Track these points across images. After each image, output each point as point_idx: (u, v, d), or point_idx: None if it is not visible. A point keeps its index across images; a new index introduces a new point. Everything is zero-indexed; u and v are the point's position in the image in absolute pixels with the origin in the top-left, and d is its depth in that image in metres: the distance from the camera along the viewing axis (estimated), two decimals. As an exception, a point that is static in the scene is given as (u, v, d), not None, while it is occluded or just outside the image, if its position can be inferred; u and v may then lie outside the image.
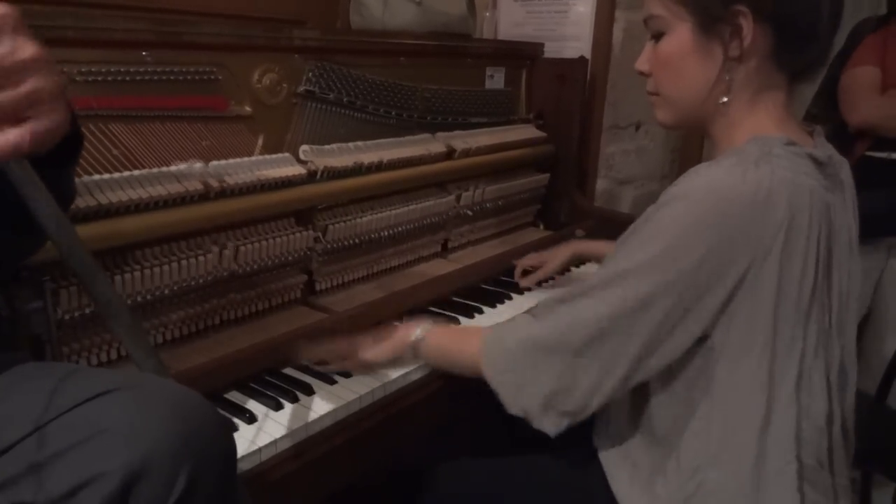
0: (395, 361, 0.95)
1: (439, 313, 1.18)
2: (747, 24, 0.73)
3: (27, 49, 0.46)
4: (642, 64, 0.84)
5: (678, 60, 0.79)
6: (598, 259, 1.30)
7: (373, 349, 0.94)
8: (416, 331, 0.93)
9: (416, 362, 0.96)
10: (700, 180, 0.72)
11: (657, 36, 0.81)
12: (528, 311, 0.83)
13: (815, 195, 0.71)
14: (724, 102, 0.77)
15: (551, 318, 0.78)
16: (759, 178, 0.69)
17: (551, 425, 0.78)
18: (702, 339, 0.74)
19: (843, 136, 1.67)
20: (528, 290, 1.31)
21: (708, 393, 0.75)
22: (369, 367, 0.95)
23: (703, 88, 0.78)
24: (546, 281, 1.34)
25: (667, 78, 0.81)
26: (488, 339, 0.84)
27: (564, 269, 1.34)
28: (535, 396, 0.78)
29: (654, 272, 0.72)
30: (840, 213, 0.76)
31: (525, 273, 1.33)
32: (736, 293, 0.71)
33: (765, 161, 0.70)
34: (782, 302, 0.71)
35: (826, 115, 1.75)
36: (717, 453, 0.74)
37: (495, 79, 1.62)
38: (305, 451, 0.82)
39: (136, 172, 0.91)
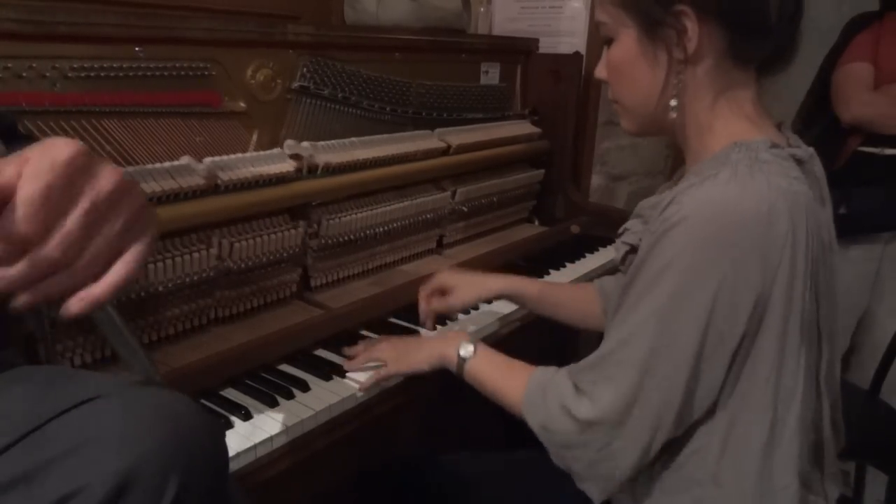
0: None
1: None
2: (692, 25, 0.69)
3: (103, 185, 0.43)
4: (600, 71, 0.80)
5: (627, 67, 0.75)
6: (524, 302, 1.13)
7: (414, 359, 0.93)
8: (463, 348, 0.89)
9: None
10: (699, 201, 0.67)
11: (608, 42, 0.77)
12: (569, 374, 0.77)
13: (806, 199, 0.68)
14: (674, 106, 0.73)
15: (587, 388, 0.74)
16: (758, 189, 0.65)
17: (596, 491, 0.75)
18: None
19: (836, 132, 1.68)
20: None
21: (711, 414, 0.72)
22: (403, 373, 0.94)
23: (654, 95, 0.74)
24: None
25: (619, 85, 0.78)
26: (532, 390, 0.79)
27: (471, 308, 1.16)
28: (578, 460, 0.75)
29: (671, 315, 0.67)
30: (819, 211, 0.73)
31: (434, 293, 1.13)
32: (754, 316, 0.67)
33: (757, 170, 0.67)
34: (791, 320, 0.68)
35: (819, 112, 1.75)
36: (715, 472, 0.72)
37: (490, 74, 1.62)
38: (301, 447, 0.82)
39: (129, 169, 0.91)
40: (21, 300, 0.43)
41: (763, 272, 0.66)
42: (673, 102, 0.74)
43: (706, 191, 0.67)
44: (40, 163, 0.40)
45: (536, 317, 1.15)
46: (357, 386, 0.92)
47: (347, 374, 0.94)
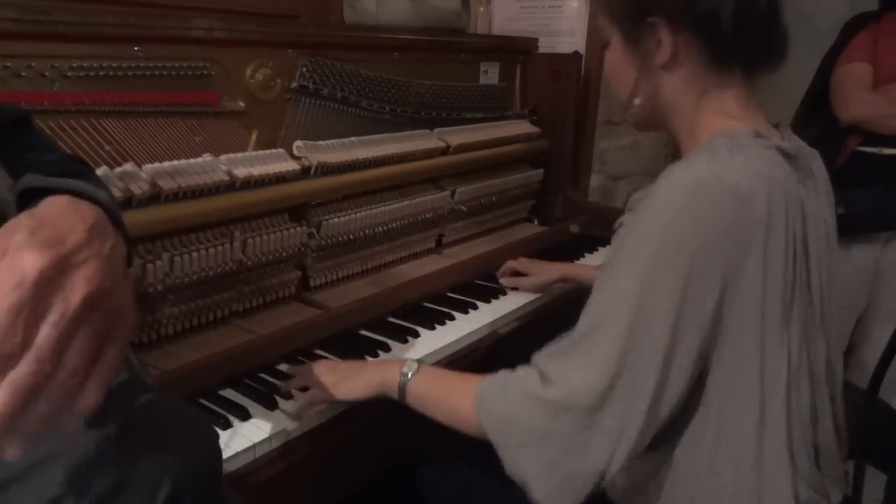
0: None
1: (434, 309, 1.18)
2: (665, 35, 0.74)
3: (73, 299, 0.41)
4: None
5: (615, 69, 0.82)
6: (584, 284, 1.25)
7: (352, 385, 0.87)
8: (402, 371, 0.85)
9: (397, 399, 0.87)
10: (676, 181, 0.69)
11: (605, 45, 0.84)
12: (531, 364, 0.74)
13: (788, 188, 0.70)
14: (636, 104, 0.80)
15: (557, 374, 0.70)
16: (735, 170, 0.68)
17: (553, 498, 0.69)
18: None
19: (835, 132, 1.68)
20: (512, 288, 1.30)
21: (702, 399, 0.73)
22: (335, 399, 0.88)
23: (636, 96, 0.80)
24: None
25: (614, 85, 0.85)
26: (488, 387, 0.75)
27: (547, 287, 1.30)
28: (537, 459, 0.69)
29: (646, 292, 0.67)
30: (813, 206, 0.75)
31: (513, 274, 1.33)
32: (725, 294, 0.68)
33: (737, 153, 0.69)
34: (768, 300, 0.70)
35: (818, 112, 1.76)
36: (712, 459, 0.73)
37: (489, 74, 1.62)
38: (300, 448, 0.82)
39: (127, 168, 0.90)
40: (11, 449, 0.39)
41: (733, 250, 0.67)
42: (636, 101, 0.80)
43: (682, 171, 0.70)
44: (6, 279, 0.39)
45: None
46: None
47: (280, 403, 0.87)
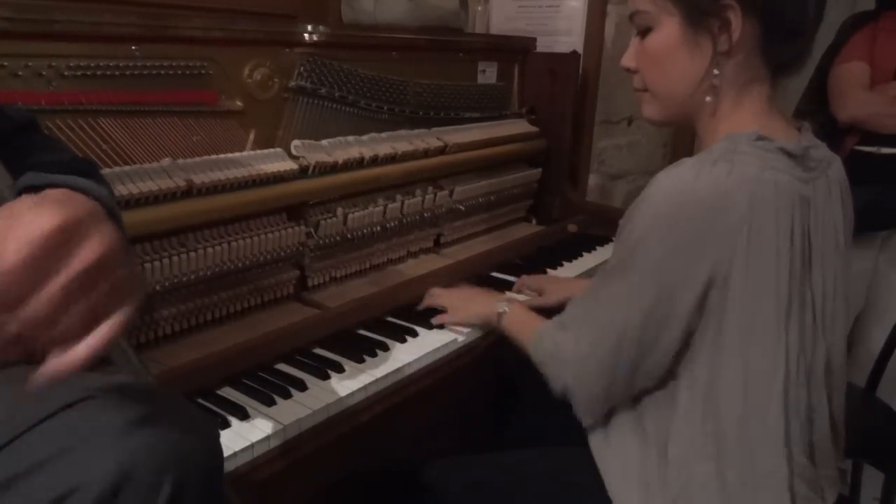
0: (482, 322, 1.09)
1: (433, 309, 1.17)
2: (736, 18, 0.73)
3: (85, 256, 0.43)
4: (629, 60, 0.83)
5: (666, 56, 0.78)
6: None
7: (467, 311, 1.09)
8: (503, 305, 1.04)
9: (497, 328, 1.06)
10: (659, 182, 0.73)
11: (643, 31, 0.80)
12: (559, 319, 0.90)
13: (784, 189, 0.71)
14: (709, 100, 0.78)
15: (573, 328, 0.86)
16: (713, 177, 0.70)
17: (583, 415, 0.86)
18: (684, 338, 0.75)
19: (833, 131, 1.68)
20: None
21: (691, 391, 0.75)
22: (463, 322, 1.09)
23: (691, 83, 0.78)
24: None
25: (655, 74, 0.81)
26: (534, 337, 0.92)
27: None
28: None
29: (626, 274, 0.75)
30: (822, 207, 0.76)
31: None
32: (709, 292, 0.72)
33: (724, 160, 0.71)
34: (758, 299, 0.71)
35: (816, 111, 1.76)
36: (701, 450, 0.75)
37: (487, 73, 1.62)
38: (298, 447, 0.82)
39: (125, 168, 0.90)
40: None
41: (715, 253, 0.70)
42: (708, 98, 0.78)
43: (668, 174, 0.73)
44: (21, 235, 0.40)
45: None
46: (355, 386, 0.92)
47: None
